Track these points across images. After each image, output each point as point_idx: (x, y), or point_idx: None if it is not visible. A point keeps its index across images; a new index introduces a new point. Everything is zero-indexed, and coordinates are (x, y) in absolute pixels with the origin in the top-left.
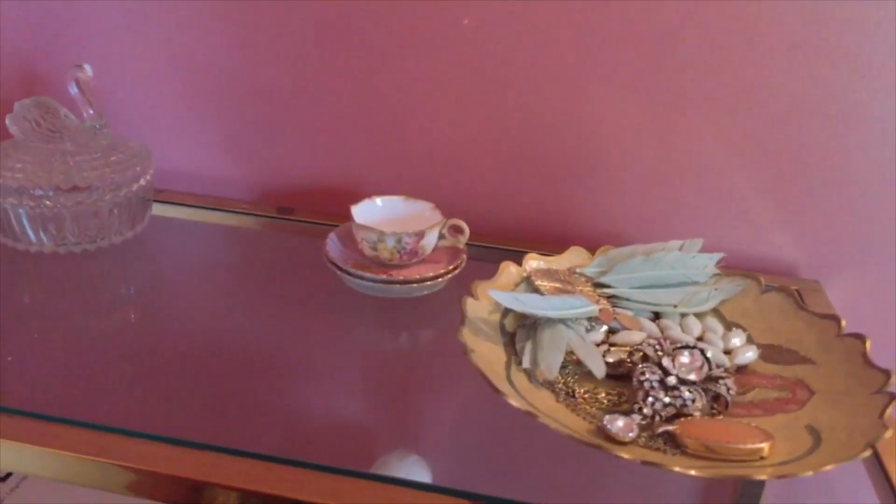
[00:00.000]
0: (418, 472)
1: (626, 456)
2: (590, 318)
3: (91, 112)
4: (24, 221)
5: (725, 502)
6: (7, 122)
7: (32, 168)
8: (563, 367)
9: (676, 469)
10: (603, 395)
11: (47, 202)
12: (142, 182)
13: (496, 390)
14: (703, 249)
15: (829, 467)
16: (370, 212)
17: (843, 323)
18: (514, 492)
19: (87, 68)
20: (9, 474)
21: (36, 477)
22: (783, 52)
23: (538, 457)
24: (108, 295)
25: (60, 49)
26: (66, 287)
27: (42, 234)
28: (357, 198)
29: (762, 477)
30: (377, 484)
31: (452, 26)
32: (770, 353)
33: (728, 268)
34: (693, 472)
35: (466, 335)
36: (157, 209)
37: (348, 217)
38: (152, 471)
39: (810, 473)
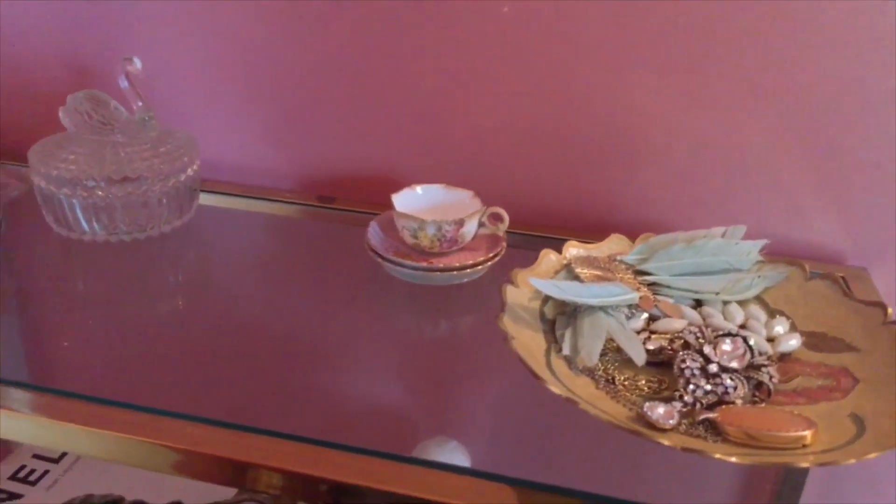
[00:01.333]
0: (458, 457)
1: (666, 442)
2: (630, 306)
3: (140, 104)
4: (78, 211)
5: (766, 493)
6: (60, 114)
7: (85, 160)
8: (603, 354)
9: (717, 456)
10: (643, 382)
11: (99, 192)
12: (189, 172)
13: (537, 377)
14: (747, 236)
15: (872, 455)
16: (411, 200)
17: (890, 311)
18: (553, 477)
19: (137, 61)
20: (63, 455)
21: (88, 457)
22: (830, 36)
23: (578, 443)
24: (158, 282)
25: (110, 43)
26: (117, 274)
27: (95, 223)
28: (397, 186)
29: (804, 464)
30: (418, 468)
31: (492, 14)
32: (814, 340)
33: (773, 255)
34: (734, 459)
35: (506, 322)
36: (204, 199)
37: (389, 206)
38: (198, 451)
39: (853, 461)
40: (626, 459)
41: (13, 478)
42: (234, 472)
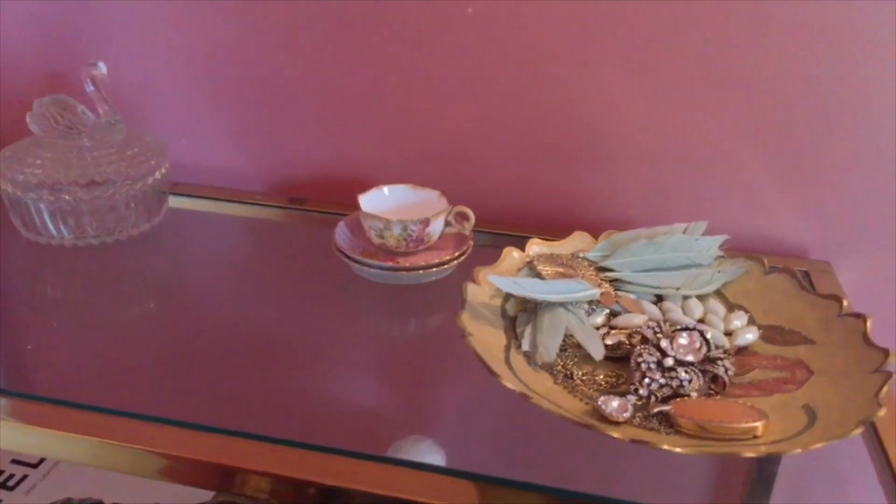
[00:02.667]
0: (432, 456)
1: (616, 435)
2: (591, 302)
3: (107, 108)
4: (45, 216)
5: (737, 493)
6: (27, 119)
7: (52, 164)
8: (563, 349)
9: (665, 447)
10: (601, 377)
11: (66, 196)
12: (157, 175)
13: (492, 372)
14: (711, 232)
15: (818, 445)
16: (378, 201)
17: (846, 303)
18: (523, 473)
19: (102, 66)
20: (42, 459)
21: (68, 462)
22: (792, 34)
23: (548, 440)
24: (129, 285)
25: (77, 47)
26: (87, 278)
27: (62, 227)
28: (367, 187)
29: (750, 454)
30: (395, 468)
31: (457, 15)
32: (772, 333)
33: (738, 250)
34: (678, 450)
35: (465, 319)
36: (173, 202)
37: (357, 206)
38: (184, 457)
39: (799, 451)
40: (597, 456)
41: None
42: (220, 477)
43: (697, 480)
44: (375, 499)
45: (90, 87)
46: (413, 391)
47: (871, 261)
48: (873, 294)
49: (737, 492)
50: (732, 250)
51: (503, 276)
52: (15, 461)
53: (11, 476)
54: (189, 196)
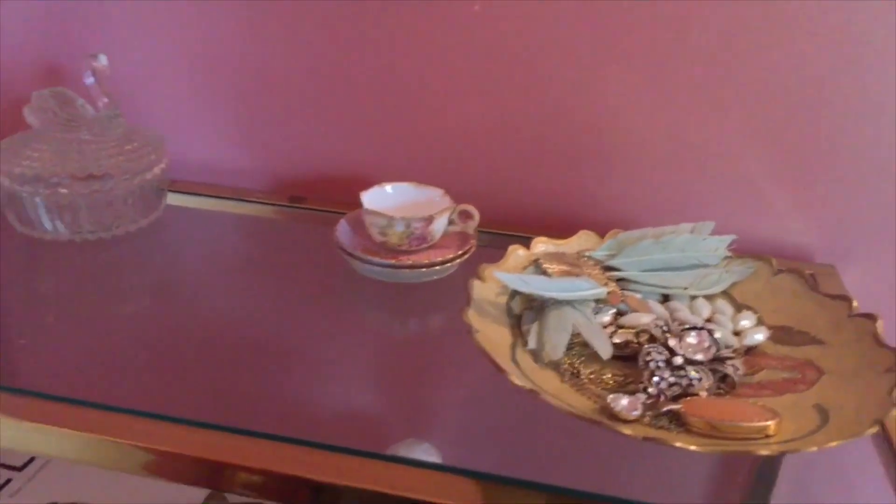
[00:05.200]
0: (431, 458)
1: (627, 432)
2: (597, 301)
3: (106, 101)
4: (41, 210)
5: (737, 490)
6: (25, 112)
7: (49, 157)
8: (570, 348)
9: (678, 444)
10: (609, 376)
11: (63, 190)
12: (156, 170)
13: (500, 369)
14: (716, 233)
15: (833, 444)
16: (380, 198)
17: (855, 303)
18: (525, 472)
19: (102, 58)
20: (27, 463)
21: (54, 458)
22: (798, 36)
23: (550, 438)
24: (124, 282)
25: (77, 40)
26: (82, 274)
27: (58, 222)
28: (368, 185)
29: (765, 452)
30: (393, 465)
31: (463, 13)
32: (781, 334)
33: (741, 252)
34: (693, 448)
35: (471, 316)
36: (172, 198)
37: (359, 205)
38: (172, 452)
39: (815, 449)
40: (598, 454)
41: None
42: (209, 473)
43: (697, 480)
44: (364, 495)
45: (90, 80)
46: (414, 389)
47: (876, 265)
48: (878, 298)
49: (738, 491)
50: (738, 252)
51: (509, 273)
52: None
53: None
54: (188, 193)
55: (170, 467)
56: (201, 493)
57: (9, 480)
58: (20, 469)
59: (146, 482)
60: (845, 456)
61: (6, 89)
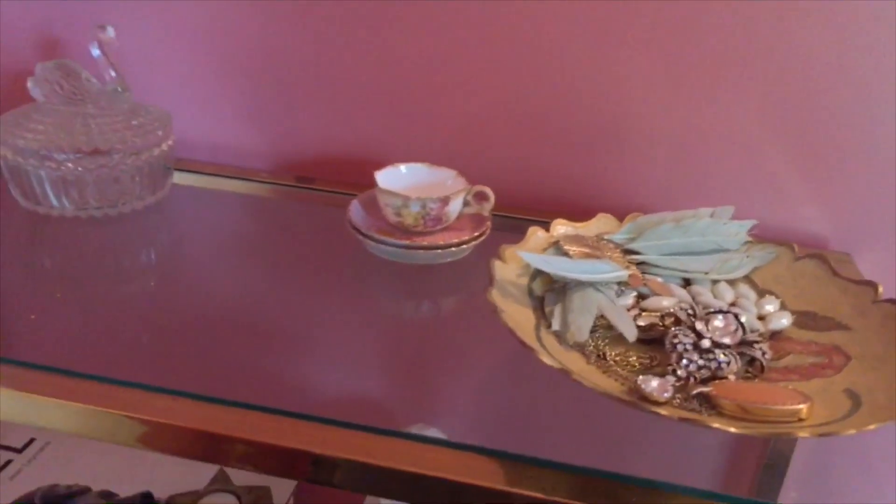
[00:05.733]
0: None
1: (664, 413)
2: (619, 283)
3: (113, 75)
4: (46, 185)
5: (750, 474)
6: (29, 84)
7: (54, 130)
8: (593, 330)
9: (716, 425)
10: (634, 358)
11: (69, 164)
12: (163, 147)
13: (528, 348)
14: (733, 219)
15: (872, 427)
16: (394, 178)
17: (881, 289)
18: (537, 451)
19: (110, 30)
20: (27, 444)
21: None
22: (816, 21)
23: (561, 418)
24: (131, 258)
25: (83, 12)
26: (87, 251)
27: (64, 198)
28: (378, 166)
29: (804, 435)
30: (402, 441)
31: None
32: (804, 319)
33: (758, 237)
34: (733, 430)
35: (495, 296)
36: (178, 178)
37: (368, 187)
38: (167, 423)
39: (853, 432)
40: (610, 434)
41: None
42: (204, 445)
43: (708, 465)
44: (372, 471)
45: (96, 52)
46: (427, 371)
47: (891, 253)
48: (893, 286)
49: (748, 477)
50: (756, 238)
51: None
52: None
53: None
54: (193, 172)
55: (164, 439)
56: (203, 478)
57: (9, 462)
58: (20, 451)
59: (146, 464)
60: (858, 445)
61: (9, 61)
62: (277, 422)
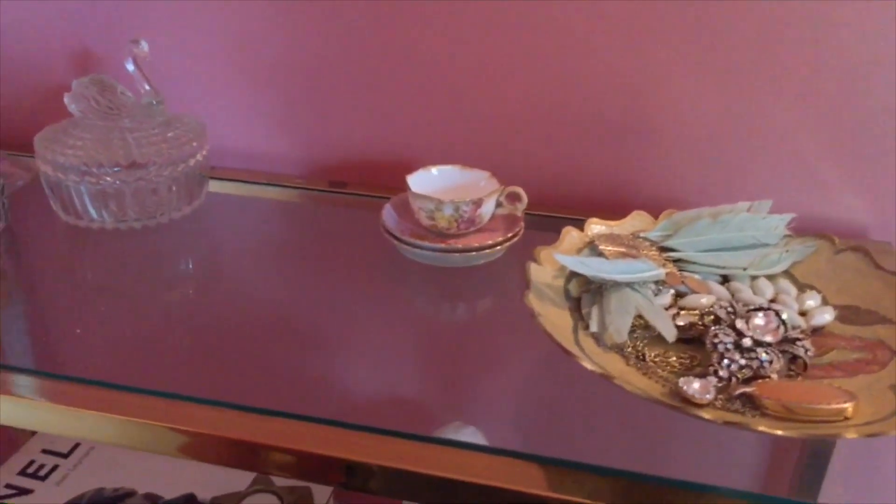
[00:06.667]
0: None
1: (707, 416)
2: (657, 282)
3: (147, 88)
4: (86, 199)
5: (789, 472)
6: (66, 100)
7: (92, 145)
8: (632, 331)
9: (761, 429)
10: (674, 358)
11: (108, 178)
12: (199, 157)
13: (568, 353)
14: (771, 211)
15: None
16: (426, 181)
17: None
18: (573, 455)
19: (144, 44)
20: (72, 449)
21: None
22: (853, 11)
23: (597, 422)
24: (170, 268)
25: (115, 28)
26: (128, 262)
27: (103, 211)
28: (410, 170)
29: (851, 436)
30: (440, 447)
31: None
32: (847, 314)
33: (796, 230)
34: (780, 433)
35: (532, 300)
36: (213, 186)
37: (400, 189)
38: (208, 433)
39: None
40: (647, 435)
41: (22, 473)
42: (241, 454)
43: (746, 464)
44: (408, 477)
45: (131, 67)
46: (463, 373)
47: None
48: None
49: (787, 476)
50: (795, 230)
51: (567, 255)
52: (45, 451)
53: (42, 466)
54: (228, 180)
55: (205, 449)
56: (245, 479)
57: (55, 467)
58: (66, 456)
59: (189, 466)
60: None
61: (47, 77)
62: (313, 429)
